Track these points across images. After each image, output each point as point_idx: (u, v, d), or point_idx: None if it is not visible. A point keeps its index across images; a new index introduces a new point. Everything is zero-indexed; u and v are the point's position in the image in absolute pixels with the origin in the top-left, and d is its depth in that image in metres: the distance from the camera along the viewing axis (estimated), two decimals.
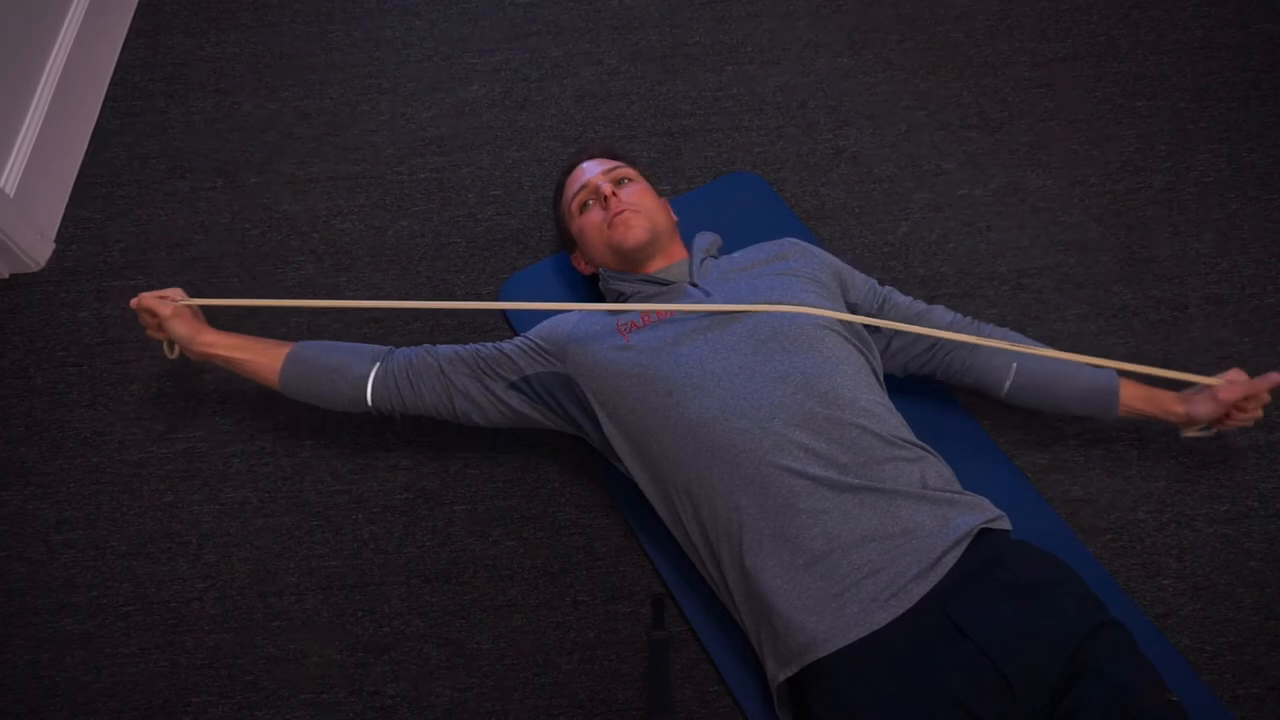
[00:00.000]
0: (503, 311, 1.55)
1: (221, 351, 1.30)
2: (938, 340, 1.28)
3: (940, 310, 1.31)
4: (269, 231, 1.69)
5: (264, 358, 1.29)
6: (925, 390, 1.39)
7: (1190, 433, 1.27)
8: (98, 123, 1.86)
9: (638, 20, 1.98)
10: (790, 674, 1.03)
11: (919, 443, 1.14)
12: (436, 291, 1.59)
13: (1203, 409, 1.21)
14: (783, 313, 1.18)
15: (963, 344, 1.28)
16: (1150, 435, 1.37)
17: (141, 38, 2.01)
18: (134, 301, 1.29)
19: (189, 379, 1.51)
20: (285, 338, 1.53)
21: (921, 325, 1.26)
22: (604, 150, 1.46)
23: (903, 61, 1.87)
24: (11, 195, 1.59)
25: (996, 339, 1.25)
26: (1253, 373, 1.42)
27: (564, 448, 1.41)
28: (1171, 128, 1.73)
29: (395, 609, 1.29)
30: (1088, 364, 1.23)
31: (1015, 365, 1.26)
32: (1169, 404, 1.24)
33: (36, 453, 1.45)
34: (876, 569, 1.01)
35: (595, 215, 1.35)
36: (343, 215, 1.71)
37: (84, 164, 1.80)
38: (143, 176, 1.78)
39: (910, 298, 1.33)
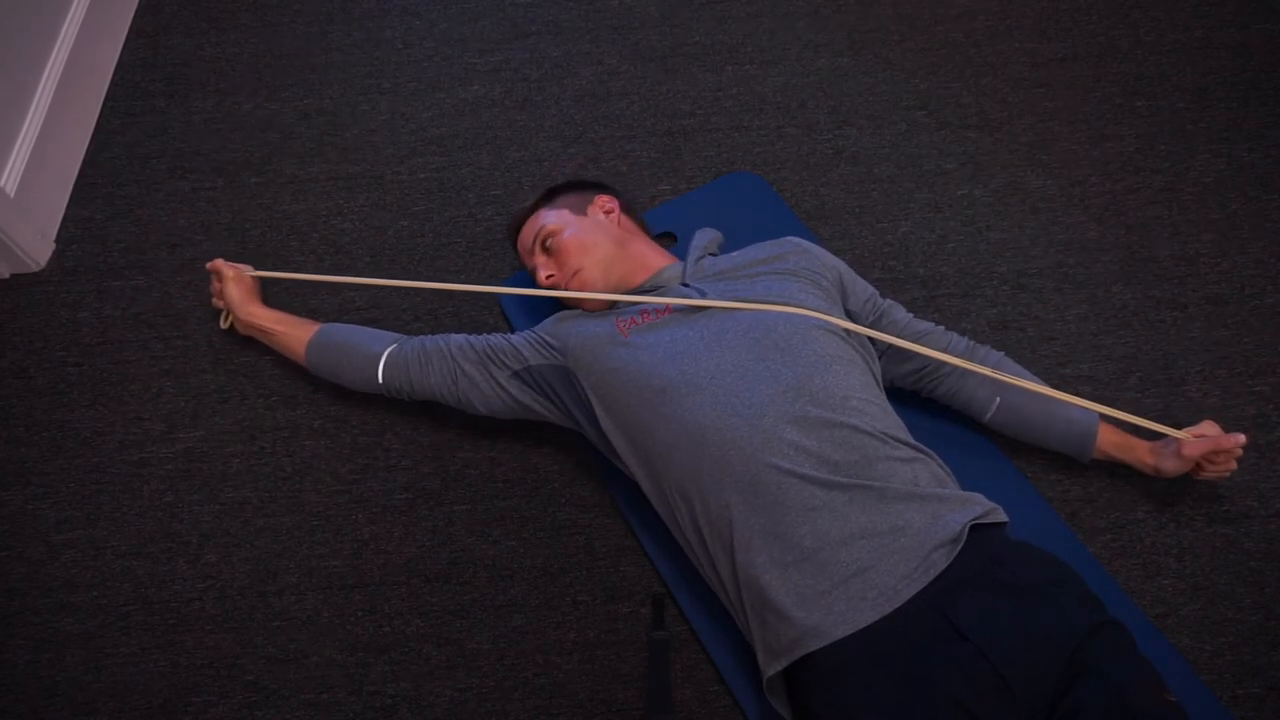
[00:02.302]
0: (503, 312, 1.56)
1: (262, 323, 1.46)
2: (926, 365, 1.30)
3: (939, 333, 1.31)
4: (269, 231, 1.69)
5: (296, 331, 1.44)
6: None
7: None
8: (98, 123, 1.86)
9: (638, 20, 1.98)
10: (779, 668, 1.03)
11: (915, 443, 1.14)
12: (436, 291, 1.59)
13: (1169, 464, 1.23)
14: (779, 313, 1.18)
15: (952, 372, 1.29)
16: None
17: (141, 38, 2.01)
18: (210, 264, 1.50)
19: (189, 378, 1.52)
20: None
21: (917, 345, 1.27)
22: (520, 215, 1.43)
23: (903, 61, 1.87)
24: (11, 195, 1.59)
25: (989, 365, 1.26)
26: (1250, 375, 1.42)
27: (564, 448, 1.41)
28: (1171, 128, 1.73)
29: (395, 609, 1.29)
30: (1071, 403, 1.24)
31: (999, 398, 1.28)
32: (1141, 454, 1.26)
33: (36, 453, 1.45)
34: (865, 567, 1.01)
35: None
36: (343, 215, 1.71)
37: (84, 164, 1.80)
38: (143, 176, 1.78)
39: (912, 315, 1.33)
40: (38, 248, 1.65)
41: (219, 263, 1.50)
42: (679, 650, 1.23)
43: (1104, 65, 1.83)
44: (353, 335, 1.41)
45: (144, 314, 1.59)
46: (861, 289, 1.33)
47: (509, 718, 1.20)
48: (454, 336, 1.34)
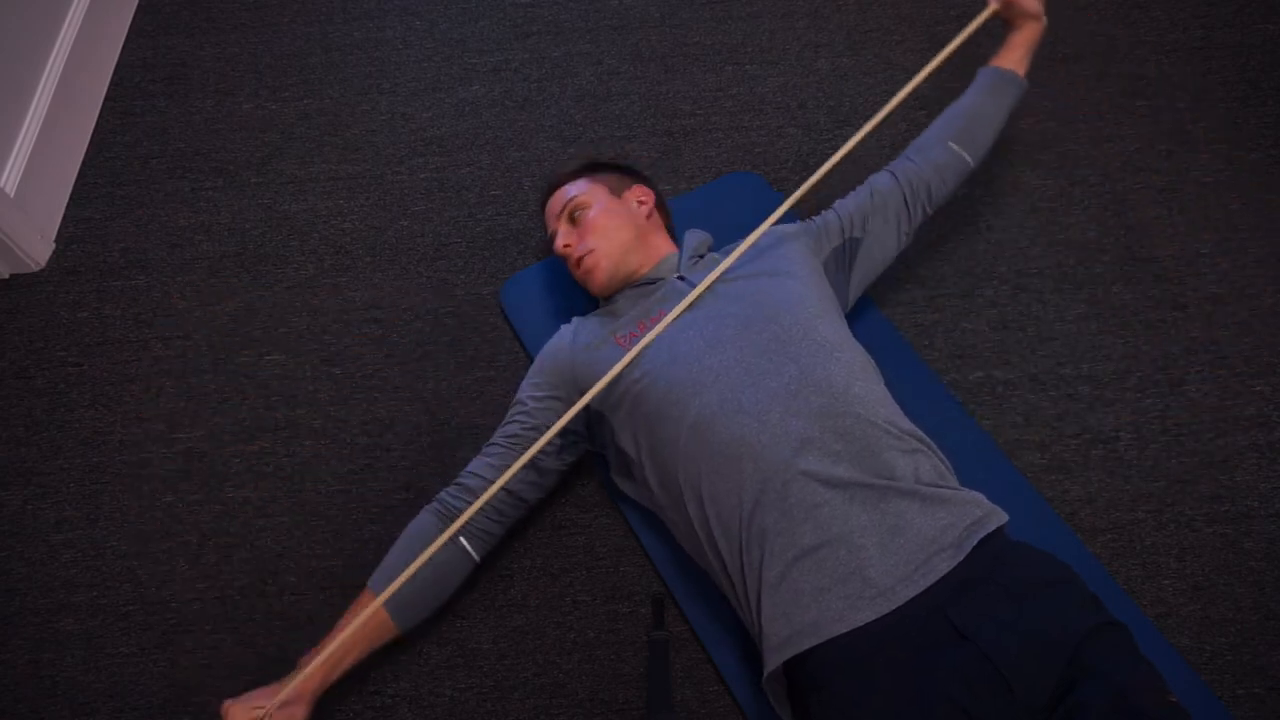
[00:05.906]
0: (502, 311, 1.56)
1: (334, 675, 1.12)
2: (930, 182, 1.38)
3: (878, 177, 1.40)
4: (269, 231, 1.69)
5: (366, 629, 1.12)
6: (925, 390, 1.40)
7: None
8: (98, 123, 1.86)
9: (638, 20, 1.98)
10: (777, 663, 1.03)
11: (916, 433, 1.14)
12: (436, 291, 1.59)
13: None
14: (775, 307, 1.19)
15: (915, 198, 1.38)
16: (1150, 435, 1.37)
17: (141, 38, 2.01)
18: (223, 709, 1.06)
19: (189, 378, 1.51)
20: (284, 339, 1.55)
21: (875, 206, 1.36)
22: (560, 178, 1.42)
23: (903, 61, 1.87)
24: (11, 195, 1.59)
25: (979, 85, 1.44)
26: (1250, 375, 1.42)
27: None
28: (1171, 128, 1.73)
29: None
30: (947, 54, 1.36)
31: (952, 145, 1.39)
32: (1014, 27, 1.49)
33: (36, 453, 1.45)
34: (863, 565, 1.01)
35: (571, 265, 1.35)
36: (343, 215, 1.71)
37: (84, 164, 1.80)
38: (143, 176, 1.78)
39: (854, 192, 1.40)
40: (38, 248, 1.65)
41: (233, 711, 1.05)
42: (679, 650, 1.23)
43: (1104, 65, 1.83)
44: (402, 559, 1.14)
45: (144, 314, 1.59)
46: (832, 219, 1.36)
47: (509, 718, 1.20)
48: (480, 469, 1.20)
